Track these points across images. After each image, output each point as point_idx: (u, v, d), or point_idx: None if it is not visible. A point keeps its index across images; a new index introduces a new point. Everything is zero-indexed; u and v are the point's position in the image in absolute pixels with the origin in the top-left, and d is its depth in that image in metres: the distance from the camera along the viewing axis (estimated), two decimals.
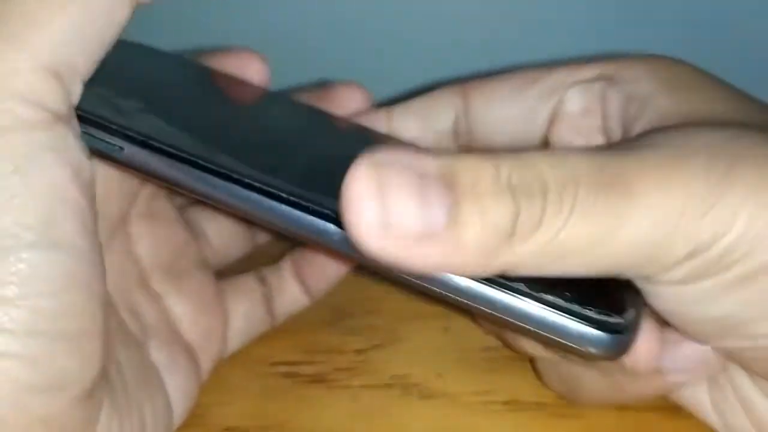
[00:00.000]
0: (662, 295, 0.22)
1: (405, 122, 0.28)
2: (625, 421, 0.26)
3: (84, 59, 0.20)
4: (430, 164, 0.19)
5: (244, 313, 0.29)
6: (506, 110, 0.27)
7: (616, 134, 0.25)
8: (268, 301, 0.29)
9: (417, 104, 0.28)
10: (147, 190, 0.27)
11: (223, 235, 0.30)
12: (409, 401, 0.27)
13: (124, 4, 0.20)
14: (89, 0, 0.20)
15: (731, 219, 0.20)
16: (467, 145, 0.28)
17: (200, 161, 0.22)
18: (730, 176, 0.20)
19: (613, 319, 0.21)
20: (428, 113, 0.28)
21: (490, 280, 0.21)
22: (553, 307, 0.21)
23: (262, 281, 0.30)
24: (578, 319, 0.21)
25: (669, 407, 0.26)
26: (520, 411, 0.27)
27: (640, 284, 0.22)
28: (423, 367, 0.28)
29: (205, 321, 0.27)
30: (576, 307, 0.21)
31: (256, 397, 0.27)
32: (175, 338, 0.26)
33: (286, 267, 0.30)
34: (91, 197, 0.20)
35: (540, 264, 0.20)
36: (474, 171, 0.19)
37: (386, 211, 0.18)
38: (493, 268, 0.20)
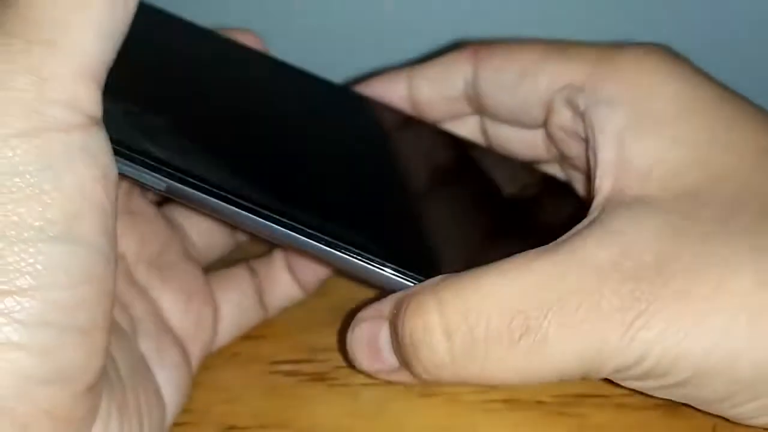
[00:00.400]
0: None
1: (421, 87, 0.30)
2: (624, 419, 0.26)
3: (111, 54, 0.20)
4: (385, 314, 0.25)
5: (234, 303, 0.29)
6: (507, 99, 0.28)
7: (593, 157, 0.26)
8: (259, 292, 0.30)
9: (431, 69, 0.30)
10: (123, 188, 0.27)
11: (203, 233, 0.30)
12: (410, 399, 0.27)
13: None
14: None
15: (645, 353, 0.22)
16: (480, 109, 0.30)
17: (185, 174, 0.24)
18: (645, 316, 0.22)
19: None
20: (441, 79, 0.30)
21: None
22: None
23: (253, 273, 0.30)
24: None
25: (668, 406, 0.26)
26: (519, 410, 0.27)
27: None
28: None
29: (193, 310, 0.27)
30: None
31: (258, 396, 0.28)
32: (164, 330, 0.26)
33: (278, 259, 0.30)
34: (113, 199, 0.21)
35: (480, 383, 0.24)
36: (415, 322, 0.23)
37: (358, 363, 0.26)
38: (447, 382, 0.24)
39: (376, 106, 0.31)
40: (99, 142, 0.20)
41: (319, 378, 0.28)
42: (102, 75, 0.20)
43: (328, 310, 0.30)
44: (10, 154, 0.19)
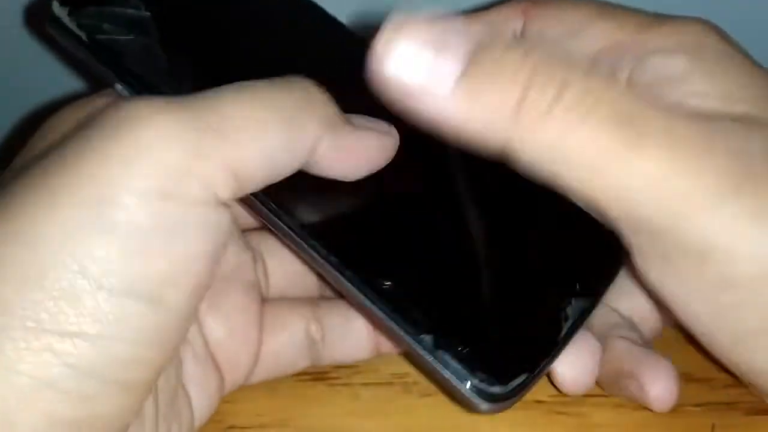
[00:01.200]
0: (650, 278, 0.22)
1: None
2: (623, 418, 0.26)
3: (262, 177, 0.21)
4: (470, 30, 0.21)
5: (277, 353, 0.27)
6: None
7: None
8: (312, 342, 0.27)
9: (484, 20, 0.29)
10: None
11: (281, 274, 0.28)
12: (410, 399, 0.27)
13: (305, 153, 0.22)
14: (288, 135, 0.21)
15: (729, 227, 0.20)
16: None
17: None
18: (738, 192, 0.20)
19: (493, 389, 0.22)
20: (492, 32, 0.28)
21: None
22: (442, 361, 0.22)
23: (316, 319, 0.27)
24: (461, 380, 0.22)
25: None
26: (519, 408, 0.26)
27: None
28: None
29: (234, 347, 0.26)
30: (462, 368, 0.22)
31: (258, 396, 0.27)
32: (209, 356, 0.26)
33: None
34: (215, 271, 0.21)
35: (539, 161, 0.21)
36: (500, 51, 0.21)
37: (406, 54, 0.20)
38: (491, 145, 0.21)
39: None
40: (222, 221, 0.21)
41: (319, 378, 0.28)
42: (246, 180, 0.21)
43: None
44: (141, 212, 0.19)
